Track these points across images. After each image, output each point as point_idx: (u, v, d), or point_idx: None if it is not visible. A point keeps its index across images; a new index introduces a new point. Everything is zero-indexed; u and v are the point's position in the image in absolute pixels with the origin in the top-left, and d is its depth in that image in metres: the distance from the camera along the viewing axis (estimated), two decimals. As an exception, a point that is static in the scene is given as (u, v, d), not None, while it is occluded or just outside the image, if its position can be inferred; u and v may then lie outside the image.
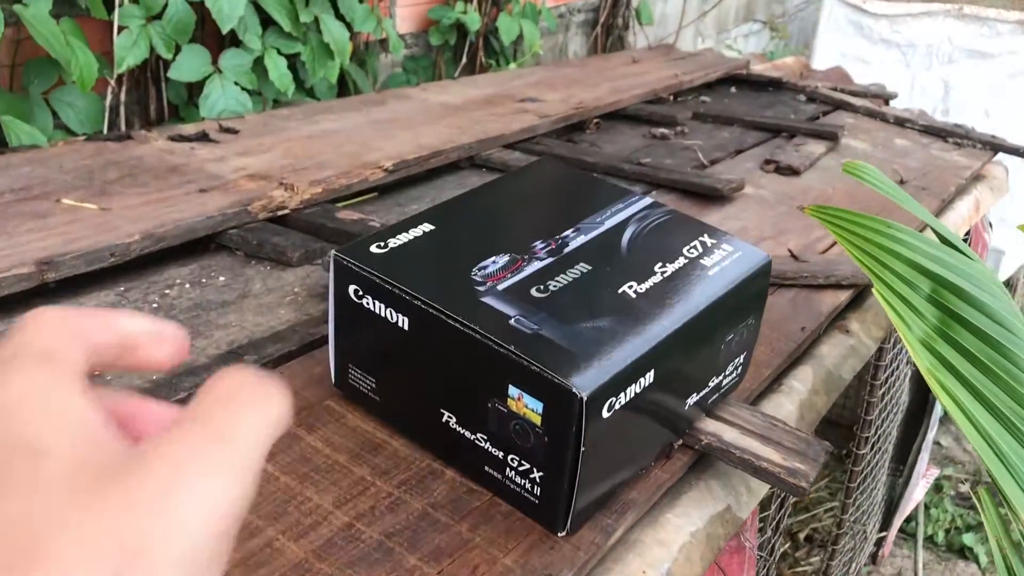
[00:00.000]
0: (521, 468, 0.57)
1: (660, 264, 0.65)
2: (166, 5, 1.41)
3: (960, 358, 0.71)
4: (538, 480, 0.57)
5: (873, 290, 0.74)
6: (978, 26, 3.00)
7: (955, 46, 3.07)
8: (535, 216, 0.73)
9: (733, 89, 2.03)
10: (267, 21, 1.56)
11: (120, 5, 1.41)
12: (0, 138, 1.29)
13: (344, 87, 1.80)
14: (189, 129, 1.24)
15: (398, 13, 2.00)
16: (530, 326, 0.56)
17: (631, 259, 0.66)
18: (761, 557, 1.01)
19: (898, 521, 2.01)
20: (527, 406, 0.55)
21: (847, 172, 0.83)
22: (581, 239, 0.67)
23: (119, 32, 1.41)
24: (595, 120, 1.60)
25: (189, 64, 1.45)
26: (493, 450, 0.59)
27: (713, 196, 1.27)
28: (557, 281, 0.61)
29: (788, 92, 2.02)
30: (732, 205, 1.27)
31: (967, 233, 1.71)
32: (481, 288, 0.59)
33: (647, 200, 0.74)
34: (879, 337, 1.06)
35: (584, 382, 0.52)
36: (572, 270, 0.63)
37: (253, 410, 0.24)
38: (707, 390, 0.69)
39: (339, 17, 1.64)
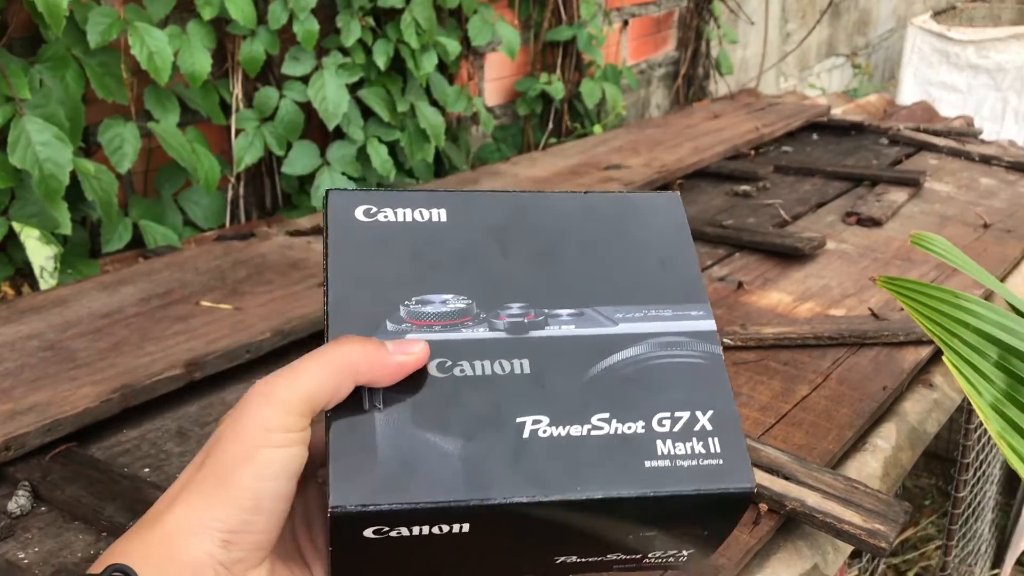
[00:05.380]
0: None
1: (606, 418, 0.46)
2: (277, 107, 1.56)
3: (1029, 421, 0.75)
4: None
5: (943, 358, 0.79)
6: (1069, 46, 2.97)
7: (1047, 67, 3.04)
8: (568, 265, 0.51)
9: (815, 136, 2.08)
10: (367, 112, 1.69)
11: (236, 110, 1.56)
12: (138, 239, 1.45)
13: (440, 164, 1.93)
14: (304, 223, 1.37)
15: (486, 88, 2.12)
16: (373, 402, 0.44)
17: (583, 389, 0.46)
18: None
19: (1011, 558, 1.99)
20: None
21: (915, 244, 0.89)
22: (570, 327, 0.48)
23: (236, 134, 1.56)
24: (678, 181, 1.68)
25: (300, 159, 1.59)
26: None
27: (795, 255, 1.32)
28: (476, 366, 0.46)
29: (870, 135, 2.05)
30: (814, 263, 1.32)
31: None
32: (390, 326, 0.45)
33: (708, 325, 0.49)
34: (964, 389, 1.09)
35: (348, 495, 0.41)
36: (507, 362, 0.46)
37: (321, 364, 0.41)
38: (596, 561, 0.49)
39: (432, 103, 1.77)
